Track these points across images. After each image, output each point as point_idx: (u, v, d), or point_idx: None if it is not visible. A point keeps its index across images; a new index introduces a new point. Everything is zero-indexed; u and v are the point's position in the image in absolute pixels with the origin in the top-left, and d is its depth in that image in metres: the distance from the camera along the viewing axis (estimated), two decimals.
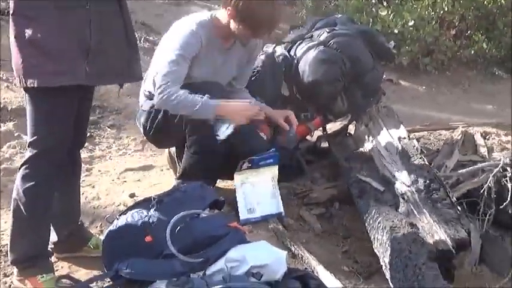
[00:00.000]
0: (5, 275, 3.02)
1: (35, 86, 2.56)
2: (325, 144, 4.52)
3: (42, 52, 2.52)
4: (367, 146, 4.02)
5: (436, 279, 2.77)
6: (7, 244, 2.89)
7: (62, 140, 2.74)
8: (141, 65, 2.98)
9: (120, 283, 2.58)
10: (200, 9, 4.43)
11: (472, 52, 6.24)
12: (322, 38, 4.26)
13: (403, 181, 3.42)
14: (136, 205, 2.96)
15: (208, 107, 3.31)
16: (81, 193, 3.19)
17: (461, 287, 2.97)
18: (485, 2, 6.40)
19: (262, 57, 4.16)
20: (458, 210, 3.21)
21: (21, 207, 2.81)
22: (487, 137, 4.63)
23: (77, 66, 2.58)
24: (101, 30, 2.65)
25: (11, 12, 2.65)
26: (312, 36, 4.35)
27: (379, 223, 3.13)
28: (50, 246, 3.01)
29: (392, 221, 3.08)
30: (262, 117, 3.62)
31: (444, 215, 3.20)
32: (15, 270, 2.91)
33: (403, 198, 3.34)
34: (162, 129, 3.57)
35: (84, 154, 3.88)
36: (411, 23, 6.11)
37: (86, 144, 3.79)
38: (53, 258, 3.01)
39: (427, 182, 3.39)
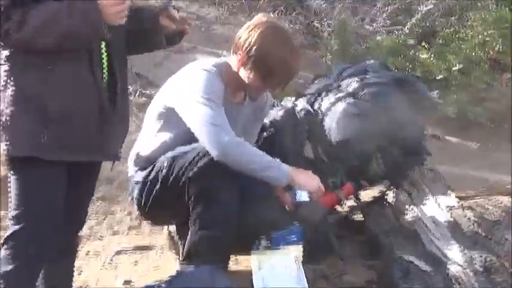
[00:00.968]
0: None
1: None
2: (358, 216, 4.50)
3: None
4: (410, 218, 3.96)
5: None
6: None
7: (47, 216, 2.78)
8: (136, 123, 2.98)
9: None
10: (206, 58, 4.51)
11: None
12: (351, 88, 4.31)
13: (455, 260, 3.37)
14: None
15: (282, 172, 3.38)
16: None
17: None
18: None
19: (281, 112, 4.20)
20: None
21: None
22: None
23: (32, 135, 2.68)
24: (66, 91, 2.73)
25: None
26: (339, 86, 4.38)
27: None
28: None
29: None
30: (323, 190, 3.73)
31: None
32: None
33: (458, 283, 3.27)
34: (160, 203, 3.59)
35: None
36: (457, 67, 6.13)
37: None
38: None
39: (486, 261, 3.35)
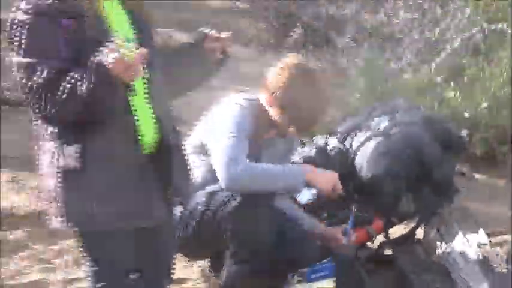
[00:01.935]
0: None
1: None
2: (389, 252, 4.47)
3: None
4: (440, 255, 4.01)
5: None
6: None
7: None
8: None
9: None
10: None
11: None
12: (381, 127, 4.31)
13: None
14: None
15: (296, 175, 3.55)
16: None
17: None
18: None
19: (313, 150, 4.25)
20: None
21: None
22: None
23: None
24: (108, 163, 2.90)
25: None
26: (369, 125, 4.41)
27: None
28: None
29: None
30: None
31: None
32: None
33: None
34: (196, 237, 3.69)
35: None
36: (485, 105, 6.19)
37: None
38: None
39: None
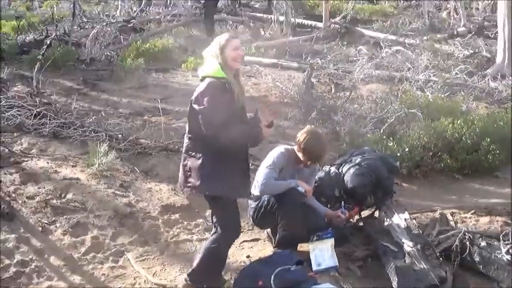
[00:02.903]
0: None
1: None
2: (361, 224, 5.92)
3: None
4: (386, 224, 5.49)
5: None
6: None
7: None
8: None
9: None
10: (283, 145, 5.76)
11: (442, 165, 7.49)
12: (357, 161, 5.90)
13: (408, 244, 5.02)
14: (252, 263, 4.85)
15: (292, 183, 5.15)
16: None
17: None
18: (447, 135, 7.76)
19: (322, 173, 5.83)
20: (440, 260, 4.87)
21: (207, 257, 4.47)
22: (454, 215, 6.19)
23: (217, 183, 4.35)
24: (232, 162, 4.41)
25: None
26: (351, 160, 5.98)
27: (395, 268, 4.81)
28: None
29: (402, 266, 4.76)
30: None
31: (432, 263, 4.83)
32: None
33: (408, 254, 4.90)
34: (263, 218, 5.31)
35: None
36: (407, 150, 7.59)
37: None
38: None
39: (422, 244, 5.01)
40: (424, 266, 4.76)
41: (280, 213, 5.14)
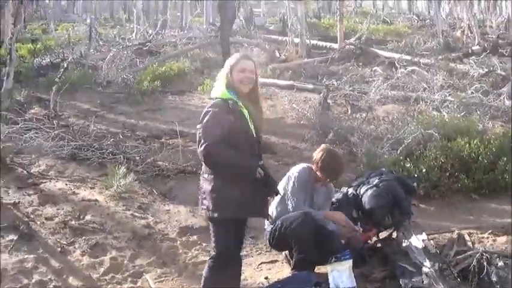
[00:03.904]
0: None
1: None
2: (379, 245, 5.95)
3: None
4: (404, 245, 5.52)
5: None
6: None
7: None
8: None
9: None
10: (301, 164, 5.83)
11: (459, 185, 7.65)
12: (374, 182, 5.94)
13: (426, 265, 5.04)
14: (271, 285, 4.97)
15: (321, 215, 5.22)
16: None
17: None
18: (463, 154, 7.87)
19: (340, 195, 5.89)
20: (458, 280, 4.93)
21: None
22: (471, 235, 6.22)
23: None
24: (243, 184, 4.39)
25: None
26: (368, 181, 6.02)
27: None
28: None
29: (420, 287, 4.80)
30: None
31: (450, 283, 4.87)
32: None
33: (426, 275, 4.93)
34: (278, 241, 5.37)
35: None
36: (424, 170, 7.69)
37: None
38: None
39: (440, 264, 5.05)
40: (442, 286, 4.79)
41: (293, 237, 5.19)
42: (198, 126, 4.39)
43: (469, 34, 18.41)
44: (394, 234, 5.99)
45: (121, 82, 13.08)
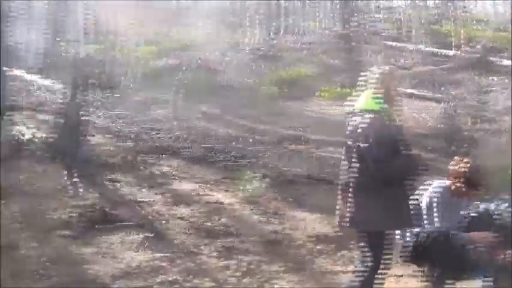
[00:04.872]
0: None
1: None
2: None
3: None
4: None
5: None
6: None
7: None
8: None
9: None
10: None
11: None
12: None
13: None
14: None
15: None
16: None
17: None
18: None
19: (480, 210, 5.53)
20: None
21: None
22: None
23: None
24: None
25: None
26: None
27: None
28: None
29: None
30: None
31: None
32: None
33: None
34: (419, 256, 5.25)
35: None
36: None
37: None
38: None
39: None
40: None
41: (435, 253, 5.15)
42: (361, 144, 4.49)
43: None
44: None
45: (241, 86, 13.26)
